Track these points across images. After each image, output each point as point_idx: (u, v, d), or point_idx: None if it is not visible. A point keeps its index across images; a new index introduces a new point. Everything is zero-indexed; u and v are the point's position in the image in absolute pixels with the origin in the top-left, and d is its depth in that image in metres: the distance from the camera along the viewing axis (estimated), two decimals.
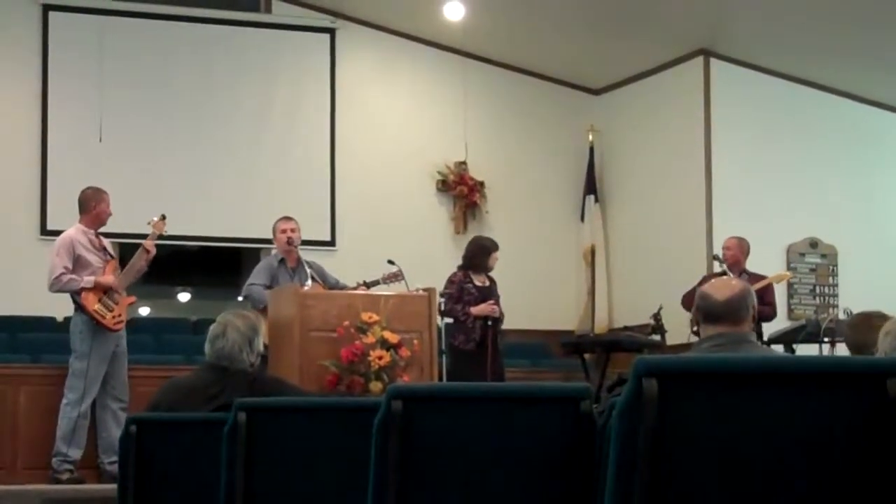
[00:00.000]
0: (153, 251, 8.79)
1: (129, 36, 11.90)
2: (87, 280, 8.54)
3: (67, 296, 8.68)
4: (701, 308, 3.99)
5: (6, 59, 11.72)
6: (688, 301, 10.05)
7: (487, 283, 9.49)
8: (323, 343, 7.85)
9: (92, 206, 8.75)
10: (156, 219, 8.85)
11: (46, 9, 11.73)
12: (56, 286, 8.60)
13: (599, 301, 12.61)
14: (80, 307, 8.58)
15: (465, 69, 12.75)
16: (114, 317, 8.57)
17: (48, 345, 9.86)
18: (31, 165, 11.54)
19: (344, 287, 8.79)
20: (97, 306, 8.52)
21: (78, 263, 8.59)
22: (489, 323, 9.21)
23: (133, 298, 8.92)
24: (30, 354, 10.00)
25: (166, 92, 11.98)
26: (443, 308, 8.98)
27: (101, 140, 11.54)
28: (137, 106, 11.85)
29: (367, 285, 8.75)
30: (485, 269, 9.49)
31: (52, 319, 10.41)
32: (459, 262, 9.70)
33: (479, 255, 9.53)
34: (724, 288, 4.00)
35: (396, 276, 8.82)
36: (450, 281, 9.40)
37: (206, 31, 12.18)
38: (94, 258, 8.67)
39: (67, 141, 11.61)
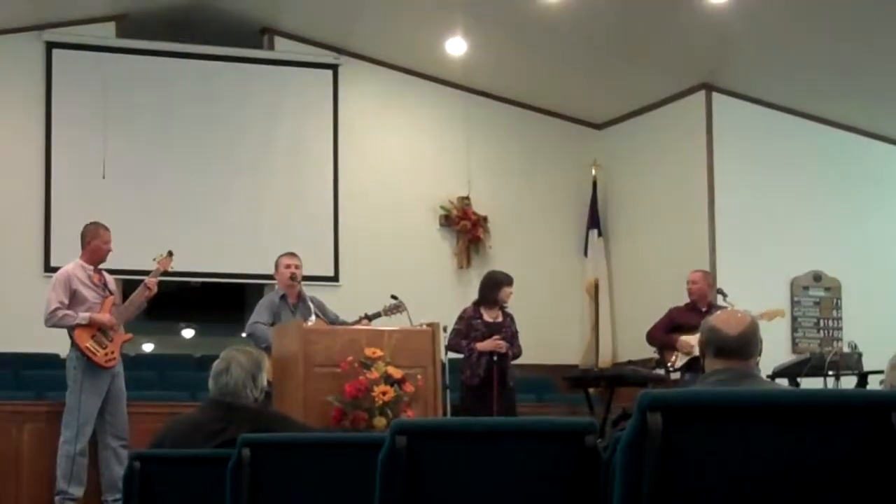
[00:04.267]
0: (154, 289, 8.76)
1: (132, 73, 11.94)
2: (83, 316, 8.53)
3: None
4: (712, 342, 3.89)
5: (10, 96, 11.77)
6: (656, 337, 10.00)
7: (500, 319, 9.42)
8: (327, 378, 7.83)
9: (88, 241, 8.75)
10: (163, 255, 8.85)
11: (50, 46, 11.78)
12: (51, 321, 8.60)
13: (603, 335, 12.59)
14: (74, 343, 8.58)
15: (467, 104, 12.79)
16: (105, 354, 8.55)
17: (51, 382, 9.80)
18: (34, 202, 11.56)
19: (343, 322, 8.79)
20: (89, 343, 8.51)
21: (75, 299, 8.59)
22: (495, 358, 9.18)
23: (129, 336, 8.90)
24: (33, 391, 9.99)
25: (169, 129, 12.00)
26: (446, 342, 8.98)
27: (104, 177, 11.59)
28: (141, 143, 11.88)
29: (370, 318, 8.75)
30: (495, 302, 9.41)
31: (56, 356, 10.37)
32: (462, 297, 9.67)
33: (488, 288, 9.47)
34: (734, 322, 3.90)
35: (398, 308, 8.82)
36: (459, 317, 9.38)
37: (209, 67, 12.22)
38: (91, 294, 8.66)
39: (71, 177, 11.64)
